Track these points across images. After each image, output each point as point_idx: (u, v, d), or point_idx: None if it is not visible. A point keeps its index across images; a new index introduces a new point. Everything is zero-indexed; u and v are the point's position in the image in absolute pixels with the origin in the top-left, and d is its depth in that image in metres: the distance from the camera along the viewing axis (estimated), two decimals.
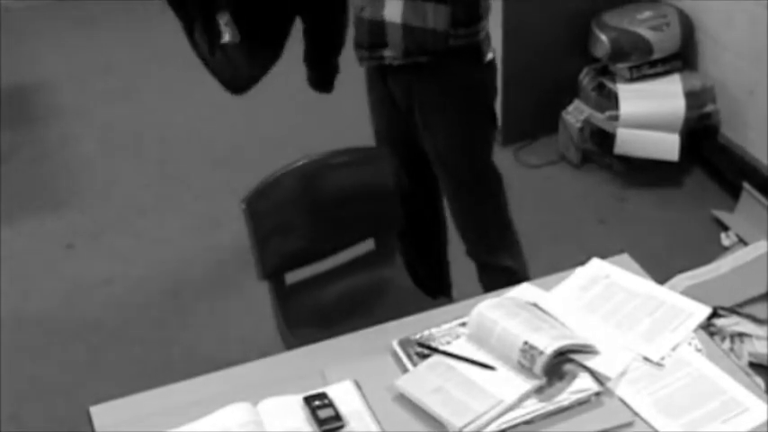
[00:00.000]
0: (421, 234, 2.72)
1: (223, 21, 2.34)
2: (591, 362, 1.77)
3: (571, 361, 1.77)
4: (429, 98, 2.39)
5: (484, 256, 2.59)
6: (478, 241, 2.58)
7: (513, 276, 2.39)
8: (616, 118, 3.55)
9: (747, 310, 2.54)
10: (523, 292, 1.98)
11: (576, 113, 3.72)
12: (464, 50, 2.33)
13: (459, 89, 2.38)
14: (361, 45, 2.39)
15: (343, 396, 1.74)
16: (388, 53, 2.34)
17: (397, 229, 2.49)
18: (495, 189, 2.53)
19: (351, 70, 2.54)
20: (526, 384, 1.72)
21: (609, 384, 1.75)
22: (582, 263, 2.07)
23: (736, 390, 1.74)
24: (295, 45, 2.52)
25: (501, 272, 2.53)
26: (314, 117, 4.01)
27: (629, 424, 1.69)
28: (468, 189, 2.52)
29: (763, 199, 3.34)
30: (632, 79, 3.60)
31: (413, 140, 2.50)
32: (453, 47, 2.30)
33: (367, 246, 2.52)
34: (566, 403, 1.71)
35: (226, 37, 2.35)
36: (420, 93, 2.39)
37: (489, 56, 2.40)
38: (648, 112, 3.53)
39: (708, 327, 1.97)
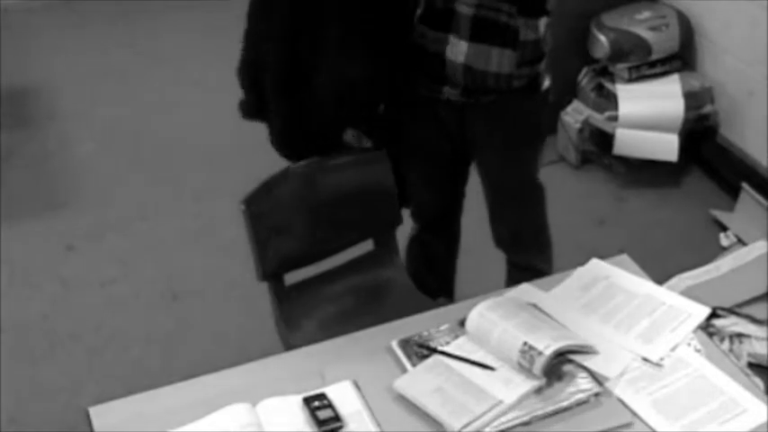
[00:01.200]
0: (435, 247, 2.70)
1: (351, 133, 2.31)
2: (590, 362, 1.77)
3: (570, 361, 1.77)
4: (485, 132, 2.35)
5: (515, 254, 2.60)
6: (515, 242, 2.58)
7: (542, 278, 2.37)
8: (615, 118, 3.55)
9: (746, 310, 2.54)
10: (523, 292, 1.98)
11: (575, 114, 3.72)
12: (524, 86, 2.28)
13: (517, 124, 2.34)
14: (422, 74, 2.28)
15: (343, 397, 1.74)
16: (447, 89, 2.26)
17: (395, 228, 2.49)
18: (540, 198, 2.53)
19: None
20: (525, 385, 1.73)
21: (608, 385, 1.75)
22: (581, 263, 2.07)
23: (736, 390, 1.74)
24: None
25: (532, 272, 2.49)
26: None
27: (629, 424, 1.69)
28: (515, 203, 2.51)
29: (761, 199, 3.33)
30: (631, 80, 3.60)
31: (450, 158, 2.47)
32: (515, 86, 2.25)
33: (366, 246, 2.52)
34: (565, 404, 1.71)
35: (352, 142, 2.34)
36: (475, 127, 2.34)
37: (546, 83, 2.35)
38: (647, 112, 3.53)
39: (707, 327, 1.96)
